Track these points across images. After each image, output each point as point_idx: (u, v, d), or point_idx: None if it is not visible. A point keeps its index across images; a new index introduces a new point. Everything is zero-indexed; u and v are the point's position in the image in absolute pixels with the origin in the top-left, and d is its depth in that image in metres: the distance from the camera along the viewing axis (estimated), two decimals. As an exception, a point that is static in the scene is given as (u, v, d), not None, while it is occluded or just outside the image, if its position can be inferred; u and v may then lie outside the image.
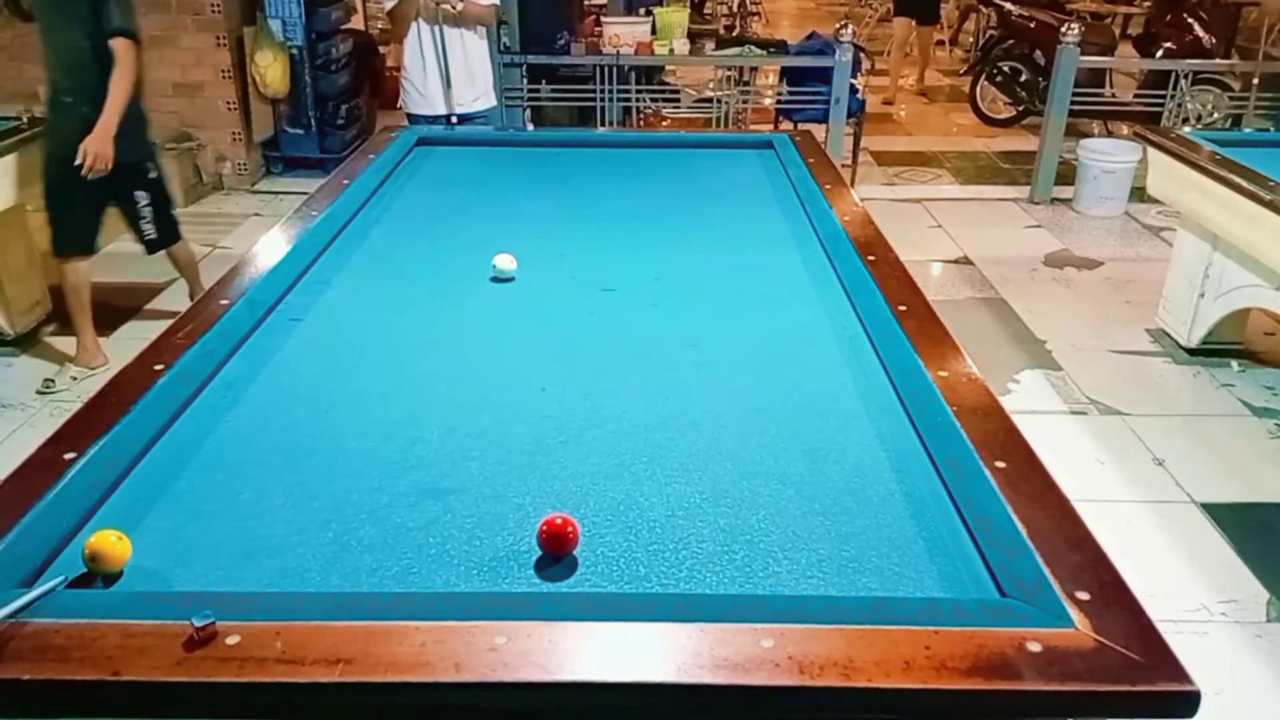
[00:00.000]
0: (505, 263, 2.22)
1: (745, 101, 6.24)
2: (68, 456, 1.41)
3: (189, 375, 1.69)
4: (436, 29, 4.07)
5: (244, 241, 4.93)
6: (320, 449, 1.54)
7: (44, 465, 1.39)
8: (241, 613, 1.10)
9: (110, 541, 1.22)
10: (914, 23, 9.01)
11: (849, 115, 5.93)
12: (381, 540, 1.32)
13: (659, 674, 1.04)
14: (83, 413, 1.55)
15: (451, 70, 4.10)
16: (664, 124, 6.49)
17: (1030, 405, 3.69)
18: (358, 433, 1.59)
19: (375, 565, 1.27)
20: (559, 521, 1.28)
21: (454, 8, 4.01)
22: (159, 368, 1.67)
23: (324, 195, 2.63)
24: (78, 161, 3.54)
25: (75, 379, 3.83)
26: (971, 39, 10.98)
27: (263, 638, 1.07)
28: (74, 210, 3.76)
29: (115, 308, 4.38)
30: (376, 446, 1.54)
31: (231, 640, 1.06)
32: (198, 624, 1.06)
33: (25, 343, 4.15)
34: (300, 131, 6.34)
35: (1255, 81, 6.12)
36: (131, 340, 3.90)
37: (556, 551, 1.28)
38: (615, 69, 5.80)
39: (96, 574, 1.22)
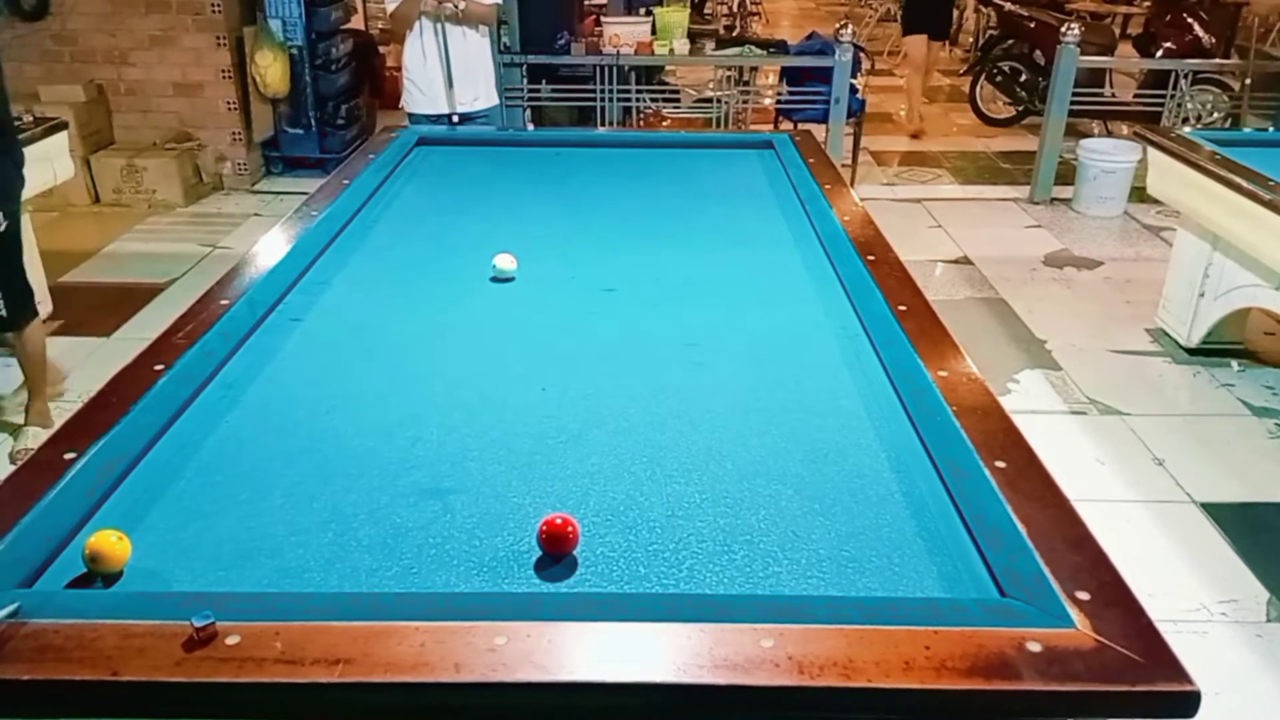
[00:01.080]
0: (505, 263, 2.22)
1: (745, 101, 6.24)
2: (68, 456, 1.41)
3: (189, 375, 1.69)
4: (439, 27, 4.06)
5: (244, 241, 4.93)
6: (320, 449, 1.54)
7: (44, 465, 1.40)
8: (241, 613, 1.10)
9: (110, 542, 1.23)
10: (926, 38, 8.07)
11: (849, 115, 5.93)
12: (381, 540, 1.32)
13: (659, 674, 1.04)
14: (83, 413, 1.55)
15: (453, 69, 4.10)
16: (664, 124, 6.48)
17: (1030, 405, 3.69)
18: (358, 433, 1.59)
19: (375, 565, 1.27)
20: (559, 522, 1.28)
21: (456, 7, 4.01)
22: (159, 368, 1.67)
23: (324, 195, 2.63)
24: None
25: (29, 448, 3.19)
26: (971, 39, 10.97)
27: (262, 638, 1.07)
28: None
29: (115, 308, 4.38)
30: (376, 446, 1.54)
31: (231, 640, 1.06)
32: (197, 624, 1.06)
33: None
34: (300, 131, 6.34)
35: (1248, 81, 6.13)
36: (131, 340, 3.90)
37: (556, 552, 1.28)
38: (615, 69, 5.80)
39: (96, 574, 1.22)
